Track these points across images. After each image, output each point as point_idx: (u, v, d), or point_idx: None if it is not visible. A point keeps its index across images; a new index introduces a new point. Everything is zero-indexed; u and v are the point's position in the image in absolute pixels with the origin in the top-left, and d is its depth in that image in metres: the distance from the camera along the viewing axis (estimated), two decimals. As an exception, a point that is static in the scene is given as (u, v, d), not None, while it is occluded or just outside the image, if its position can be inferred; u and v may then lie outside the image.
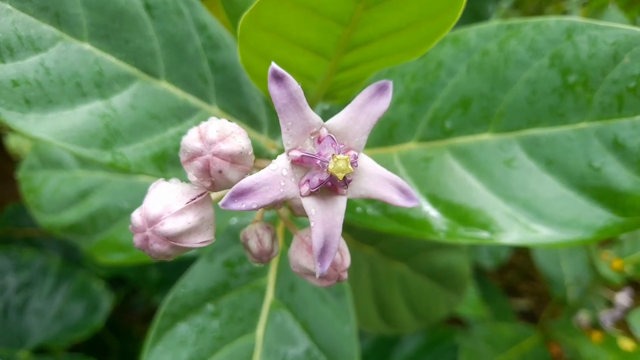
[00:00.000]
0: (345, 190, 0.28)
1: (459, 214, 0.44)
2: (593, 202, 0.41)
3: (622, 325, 1.38)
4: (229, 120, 0.50)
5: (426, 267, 0.82)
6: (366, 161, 0.29)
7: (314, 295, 0.57)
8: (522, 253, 1.82)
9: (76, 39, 0.42)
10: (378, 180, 0.29)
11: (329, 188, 0.28)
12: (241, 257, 0.59)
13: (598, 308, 1.38)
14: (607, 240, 1.47)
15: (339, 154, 0.26)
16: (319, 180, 0.27)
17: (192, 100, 0.48)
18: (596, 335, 1.31)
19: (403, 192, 0.29)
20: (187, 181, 0.29)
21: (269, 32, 0.33)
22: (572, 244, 0.41)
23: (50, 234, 1.41)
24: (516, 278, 1.96)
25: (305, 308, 0.56)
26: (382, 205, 0.48)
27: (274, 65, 0.26)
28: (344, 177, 0.26)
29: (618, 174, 0.41)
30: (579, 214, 0.42)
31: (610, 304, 1.40)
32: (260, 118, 0.52)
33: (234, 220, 0.63)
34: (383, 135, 0.50)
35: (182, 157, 0.27)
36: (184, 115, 0.47)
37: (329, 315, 0.56)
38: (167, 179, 0.45)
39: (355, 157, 0.27)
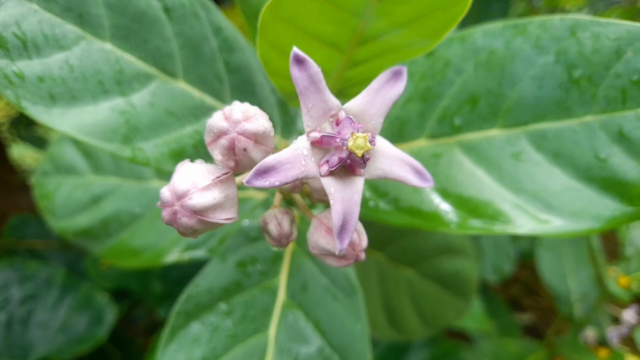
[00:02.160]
0: (362, 171, 0.30)
1: (469, 206, 0.45)
2: (601, 193, 0.43)
3: (629, 342, 1.37)
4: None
5: (434, 273, 0.83)
6: (383, 142, 0.30)
7: (326, 294, 0.58)
8: (526, 268, 1.81)
9: (98, 39, 0.43)
10: (394, 160, 0.30)
11: (347, 169, 0.29)
12: (253, 257, 0.59)
13: (604, 325, 1.38)
14: (614, 257, 1.47)
15: (357, 132, 0.28)
16: (339, 158, 0.28)
17: (208, 99, 0.49)
18: (603, 352, 1.31)
19: (418, 172, 0.31)
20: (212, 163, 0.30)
21: (288, 24, 0.35)
22: (581, 233, 0.42)
23: (53, 246, 1.42)
24: (520, 293, 1.95)
25: (317, 307, 0.57)
26: (394, 200, 0.49)
27: (295, 49, 0.28)
28: (363, 155, 0.28)
29: (624, 165, 0.42)
30: (587, 204, 0.43)
31: (616, 320, 1.39)
32: (273, 118, 0.54)
33: (246, 222, 0.64)
34: (393, 134, 0.51)
35: (207, 139, 0.29)
36: (201, 114, 0.49)
37: (340, 314, 0.57)
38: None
39: (373, 137, 0.29)
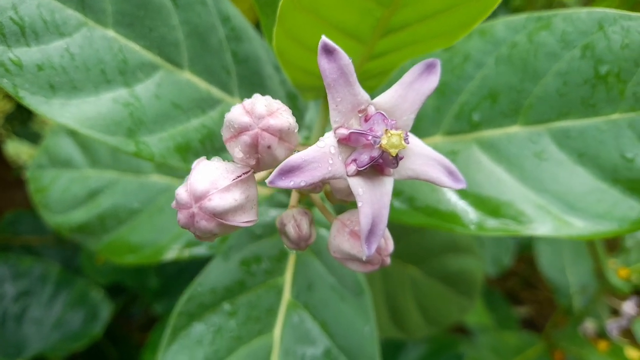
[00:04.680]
0: (391, 171, 0.28)
1: (488, 206, 0.43)
2: (627, 194, 0.41)
3: (629, 334, 1.37)
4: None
5: (439, 271, 0.81)
6: (414, 140, 0.28)
7: (333, 294, 0.56)
8: (524, 261, 1.81)
9: (101, 26, 0.41)
10: (426, 160, 0.28)
11: (376, 168, 0.27)
12: (257, 255, 0.57)
13: (604, 317, 1.37)
14: (614, 249, 1.47)
15: (391, 129, 0.26)
16: (370, 157, 0.26)
17: (215, 91, 0.47)
18: (602, 345, 1.30)
19: (451, 173, 0.29)
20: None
21: (309, 12, 0.32)
22: (606, 235, 0.41)
23: (48, 242, 1.40)
24: (517, 286, 1.95)
25: (323, 308, 0.55)
26: (409, 198, 0.47)
27: (324, 38, 0.25)
28: (396, 155, 0.25)
29: (652, 165, 0.40)
30: (612, 205, 0.41)
31: (615, 312, 1.39)
32: (282, 111, 0.51)
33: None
34: (407, 129, 0.49)
35: (226, 134, 0.26)
36: (207, 106, 0.46)
37: (348, 315, 0.55)
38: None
39: (407, 134, 0.26)
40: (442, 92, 0.48)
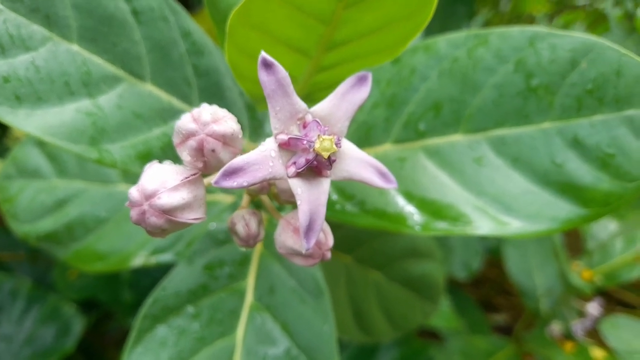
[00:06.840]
0: (328, 172, 0.30)
1: (432, 208, 0.47)
2: (557, 196, 0.45)
3: (594, 334, 1.41)
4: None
5: (401, 276, 0.84)
6: (348, 145, 0.31)
7: (294, 296, 0.58)
8: (496, 266, 1.84)
9: (65, 40, 0.43)
10: (359, 162, 0.31)
11: (314, 170, 0.30)
12: (221, 260, 0.60)
13: (570, 318, 1.41)
14: (578, 251, 1.52)
15: (324, 135, 0.29)
16: (306, 159, 0.29)
17: (176, 102, 0.50)
18: (568, 345, 1.34)
19: (382, 174, 0.32)
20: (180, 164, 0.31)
21: (256, 30, 0.35)
22: (538, 234, 0.44)
23: (20, 258, 1.39)
24: (491, 292, 1.98)
25: (284, 309, 0.57)
26: (360, 202, 0.50)
27: (263, 53, 0.28)
28: (329, 157, 0.28)
29: (579, 170, 0.44)
30: (544, 207, 0.45)
31: (581, 314, 1.43)
32: (241, 121, 0.54)
33: (213, 225, 0.64)
34: (360, 138, 0.53)
35: (176, 140, 0.29)
36: (168, 116, 0.49)
37: (308, 316, 0.57)
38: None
39: (339, 139, 0.29)
40: (391, 104, 0.51)
